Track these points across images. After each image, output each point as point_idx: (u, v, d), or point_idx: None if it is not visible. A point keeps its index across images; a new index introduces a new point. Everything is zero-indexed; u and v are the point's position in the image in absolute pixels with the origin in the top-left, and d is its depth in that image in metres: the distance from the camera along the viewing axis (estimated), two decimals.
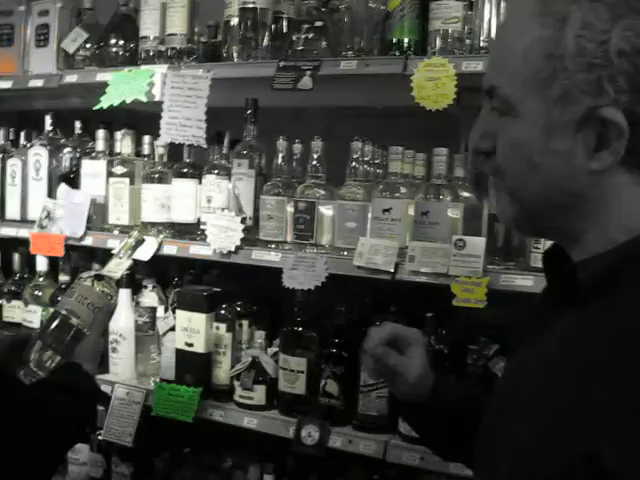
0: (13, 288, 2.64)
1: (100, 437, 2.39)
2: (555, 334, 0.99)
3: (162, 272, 2.55)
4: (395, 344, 1.33)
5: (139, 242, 1.86)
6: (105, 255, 2.30)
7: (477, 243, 1.82)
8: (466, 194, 1.96)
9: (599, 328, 0.90)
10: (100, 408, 2.40)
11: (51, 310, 1.70)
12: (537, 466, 0.89)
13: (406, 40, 1.93)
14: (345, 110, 2.54)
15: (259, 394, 2.15)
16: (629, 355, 0.85)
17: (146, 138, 2.46)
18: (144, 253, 2.25)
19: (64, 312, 1.63)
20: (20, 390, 1.35)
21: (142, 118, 2.48)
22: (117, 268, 1.78)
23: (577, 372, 0.89)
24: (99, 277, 1.72)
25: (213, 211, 2.20)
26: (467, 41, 1.89)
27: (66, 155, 2.61)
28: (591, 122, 0.91)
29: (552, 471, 0.87)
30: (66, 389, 1.47)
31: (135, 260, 2.27)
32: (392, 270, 1.89)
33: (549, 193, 0.97)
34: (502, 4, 1.82)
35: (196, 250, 2.22)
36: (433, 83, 1.82)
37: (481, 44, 1.85)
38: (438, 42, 1.88)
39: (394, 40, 1.94)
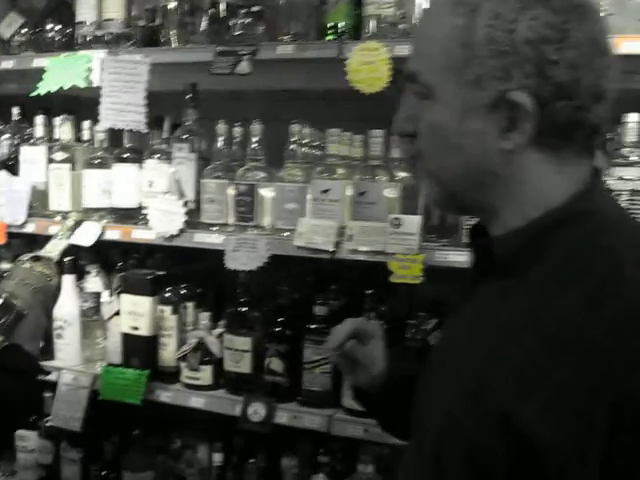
0: None
1: (48, 424, 2.40)
2: (476, 304, 1.07)
3: (106, 257, 2.55)
4: (358, 338, 1.39)
5: (77, 223, 1.87)
6: (47, 241, 2.30)
7: (413, 221, 1.88)
8: (403, 174, 2.02)
9: (513, 298, 0.98)
10: (47, 394, 2.42)
11: None
12: (460, 426, 0.96)
13: (341, 24, 1.97)
14: (285, 93, 2.57)
15: (205, 374, 2.20)
16: (536, 323, 0.91)
17: (86, 124, 2.46)
18: (87, 239, 2.25)
19: (4, 295, 1.65)
20: None
21: (81, 103, 2.46)
22: (54, 248, 1.79)
23: (492, 339, 0.97)
24: (37, 258, 1.73)
25: (155, 195, 2.22)
26: (400, 25, 1.94)
27: (4, 142, 2.58)
28: (502, 105, 0.96)
29: (472, 430, 0.94)
30: (8, 369, 1.49)
31: (78, 246, 2.28)
32: (331, 249, 1.94)
33: (466, 172, 1.03)
34: None
35: (139, 234, 2.24)
36: (368, 67, 1.86)
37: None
38: (372, 27, 1.92)
39: (330, 24, 1.98)
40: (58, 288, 1.81)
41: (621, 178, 1.75)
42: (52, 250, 1.79)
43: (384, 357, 1.39)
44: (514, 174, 1.01)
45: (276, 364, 2.11)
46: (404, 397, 1.34)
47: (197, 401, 2.18)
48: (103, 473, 2.41)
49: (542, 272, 0.96)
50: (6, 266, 2.43)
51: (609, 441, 0.83)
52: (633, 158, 1.75)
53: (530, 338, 0.91)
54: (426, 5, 1.86)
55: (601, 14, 1.01)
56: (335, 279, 2.26)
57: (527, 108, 0.95)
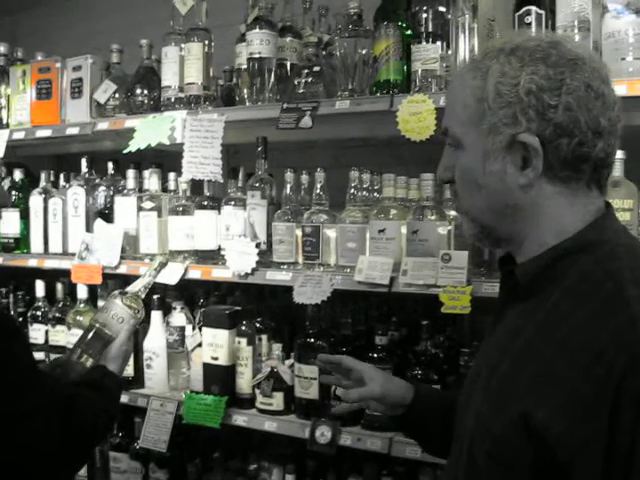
0: (57, 314, 2.90)
1: (138, 446, 2.64)
2: (505, 324, 1.25)
3: (190, 295, 2.81)
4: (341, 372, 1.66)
5: (162, 265, 2.11)
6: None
7: (461, 256, 2.04)
8: (453, 213, 2.18)
9: (535, 317, 1.14)
10: (137, 420, 2.67)
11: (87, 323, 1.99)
12: (488, 426, 1.14)
13: (392, 80, 2.18)
14: (345, 142, 2.79)
15: (278, 400, 2.39)
16: (553, 338, 1.08)
17: (171, 175, 2.74)
18: (172, 278, 2.51)
19: (97, 325, 1.91)
20: (58, 387, 1.59)
21: (168, 156, 2.74)
22: (138, 284, 2.05)
23: (518, 352, 1.14)
24: (124, 293, 2.00)
25: (231, 238, 2.45)
26: (446, 77, 2.13)
27: (101, 193, 2.87)
28: (515, 146, 1.15)
29: (499, 429, 1.11)
30: (94, 386, 1.73)
31: (165, 284, 2.54)
32: (387, 283, 2.12)
33: (492, 206, 1.22)
34: (475, 41, 2.06)
35: (218, 273, 2.48)
36: (416, 117, 2.06)
37: None
38: (419, 80, 2.12)
39: (381, 80, 2.20)
40: (142, 319, 2.05)
41: None
42: (136, 285, 2.04)
43: (382, 377, 1.59)
44: (532, 206, 1.18)
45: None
46: (435, 417, 1.50)
47: (270, 425, 2.37)
48: None
49: (558, 293, 1.13)
50: (102, 303, 2.71)
51: (612, 435, 0.98)
52: None
53: (548, 350, 1.07)
54: (467, 59, 2.05)
55: (597, 63, 1.17)
56: (395, 311, 2.43)
57: (534, 146, 1.12)
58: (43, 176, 3.03)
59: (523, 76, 1.13)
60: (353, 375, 1.63)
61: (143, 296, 2.04)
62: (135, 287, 2.04)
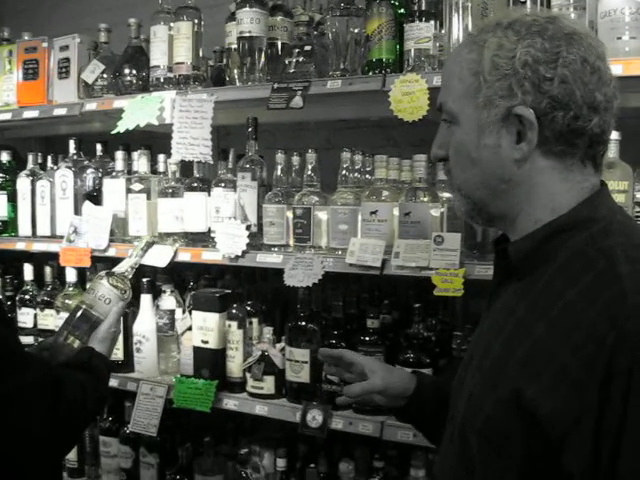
0: (46, 298, 2.87)
1: (128, 431, 2.62)
2: (499, 303, 1.23)
3: (180, 278, 2.78)
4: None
5: (148, 244, 2.09)
6: None
7: (454, 238, 2.02)
8: (446, 195, 2.15)
9: (527, 296, 1.13)
10: (127, 404, 2.66)
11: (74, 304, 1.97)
12: (480, 406, 1.13)
13: (384, 59, 2.15)
14: (337, 123, 2.75)
15: (268, 384, 2.37)
16: (545, 316, 1.07)
17: (161, 157, 2.71)
18: (161, 260, 2.48)
19: (84, 306, 1.89)
20: (45, 368, 1.57)
21: (157, 138, 2.71)
22: (125, 264, 2.02)
23: (510, 332, 1.13)
24: (110, 274, 1.97)
25: (221, 220, 2.43)
26: (438, 58, 2.10)
27: (89, 175, 2.83)
28: (510, 120, 1.14)
29: (490, 408, 1.11)
30: (83, 367, 1.71)
31: (155, 268, 2.51)
32: (379, 266, 2.09)
33: (486, 181, 1.20)
34: (469, 20, 2.02)
35: (208, 256, 2.45)
36: (409, 97, 2.02)
37: None
38: (412, 60, 2.09)
39: (374, 59, 2.16)
40: (130, 300, 2.03)
41: None
42: (122, 266, 2.01)
43: (383, 369, 1.59)
44: (526, 182, 1.17)
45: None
46: (437, 406, 1.49)
47: (261, 409, 2.36)
48: (177, 477, 2.61)
49: (551, 271, 1.12)
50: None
51: (602, 411, 0.97)
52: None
53: (539, 328, 1.07)
54: (461, 38, 2.02)
55: (593, 40, 1.15)
56: (387, 294, 2.41)
57: (530, 119, 1.11)
58: (30, 158, 3.00)
59: (519, 48, 1.11)
60: (354, 369, 1.62)
61: (130, 276, 2.02)
62: (122, 267, 2.01)
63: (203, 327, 2.46)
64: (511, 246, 1.21)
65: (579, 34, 1.13)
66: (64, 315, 2.69)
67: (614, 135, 1.87)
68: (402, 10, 2.16)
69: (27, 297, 2.94)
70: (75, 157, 2.91)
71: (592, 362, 0.98)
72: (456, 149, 1.23)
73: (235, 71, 2.44)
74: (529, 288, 1.14)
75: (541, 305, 1.09)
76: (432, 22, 2.08)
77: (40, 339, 2.80)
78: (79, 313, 1.89)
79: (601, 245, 1.09)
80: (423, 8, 2.08)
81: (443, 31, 2.08)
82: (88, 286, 2.14)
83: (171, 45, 2.52)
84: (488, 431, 1.11)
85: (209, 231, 2.49)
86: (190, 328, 2.51)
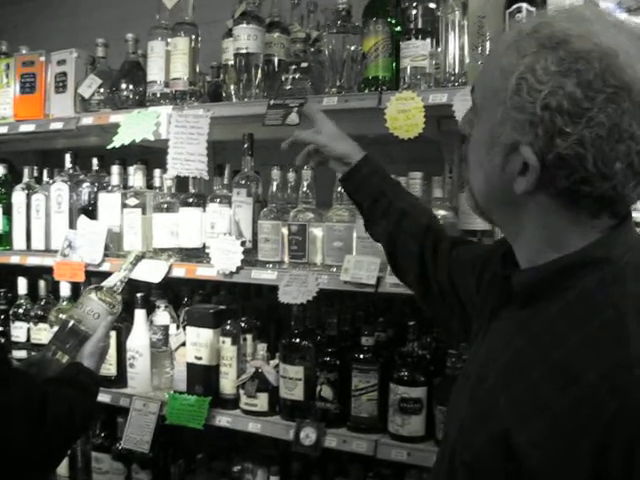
0: (39, 312, 2.86)
1: (120, 447, 2.60)
2: (498, 327, 1.17)
3: (174, 294, 2.78)
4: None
5: (138, 258, 2.08)
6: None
7: None
8: (443, 212, 2.15)
9: (527, 331, 1.07)
10: (120, 420, 2.64)
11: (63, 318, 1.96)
12: (470, 439, 1.09)
13: (380, 77, 2.15)
14: None
15: (262, 401, 2.35)
16: (543, 360, 1.00)
17: (156, 172, 2.70)
18: (156, 276, 2.47)
19: (72, 320, 1.88)
20: (31, 383, 1.56)
21: (153, 153, 2.71)
22: (114, 278, 2.02)
23: (506, 364, 1.07)
24: (99, 288, 1.97)
25: (216, 236, 2.42)
26: (435, 75, 2.10)
27: (85, 189, 2.83)
28: (517, 151, 1.02)
29: (480, 443, 1.06)
30: (71, 383, 1.70)
31: (149, 283, 2.50)
32: (374, 283, 2.09)
33: (489, 191, 1.12)
34: (465, 39, 2.03)
35: (202, 272, 2.44)
36: (404, 114, 2.03)
37: (447, 76, 2.06)
38: (408, 77, 2.09)
39: (370, 77, 2.16)
40: (119, 314, 2.02)
41: None
42: (111, 280, 2.01)
43: (336, 133, 1.75)
44: (529, 211, 1.07)
45: (326, 391, 2.25)
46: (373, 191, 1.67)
47: (254, 426, 2.34)
48: None
49: (555, 311, 1.03)
50: None
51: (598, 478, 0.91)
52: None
53: (536, 372, 0.99)
54: (457, 57, 2.03)
55: None
56: (382, 312, 2.40)
57: (533, 165, 1.00)
58: (26, 172, 3.00)
59: (549, 85, 0.96)
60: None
61: (119, 290, 2.01)
62: (111, 282, 2.01)
63: (197, 343, 2.45)
64: (516, 276, 1.13)
65: (630, 88, 0.95)
66: None
67: None
68: (398, 28, 2.16)
69: (21, 311, 2.93)
70: (71, 171, 2.91)
71: (588, 425, 0.91)
72: (472, 143, 1.15)
73: (232, 87, 2.44)
74: (530, 322, 1.07)
75: (541, 346, 1.02)
76: (428, 40, 2.09)
77: (33, 353, 2.79)
78: (67, 328, 1.88)
79: (611, 292, 1.00)
80: (419, 26, 2.09)
81: (439, 49, 2.09)
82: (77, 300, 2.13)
83: (168, 61, 2.52)
84: (476, 465, 1.06)
85: (204, 247, 2.48)
86: (184, 344, 2.50)
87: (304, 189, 2.31)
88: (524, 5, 1.91)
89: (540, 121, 0.98)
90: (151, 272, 2.46)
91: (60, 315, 2.72)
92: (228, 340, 2.43)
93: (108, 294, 1.94)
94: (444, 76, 2.07)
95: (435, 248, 1.59)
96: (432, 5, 2.09)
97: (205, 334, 2.43)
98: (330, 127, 1.77)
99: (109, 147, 2.50)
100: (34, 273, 2.96)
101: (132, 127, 2.48)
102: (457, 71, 2.04)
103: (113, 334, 2.61)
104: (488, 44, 1.96)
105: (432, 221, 1.68)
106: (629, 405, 0.90)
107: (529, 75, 0.98)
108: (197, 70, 2.56)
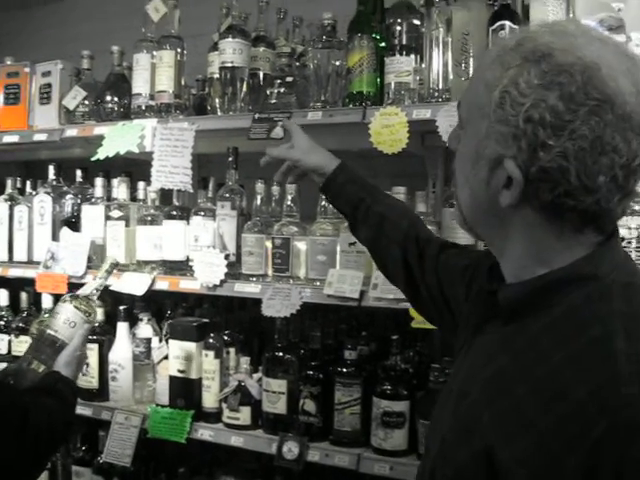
0: (21, 324, 2.83)
1: (101, 460, 2.58)
2: (482, 342, 1.16)
3: (157, 306, 2.77)
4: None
5: (114, 265, 2.07)
6: (104, 291, 2.52)
7: None
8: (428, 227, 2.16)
9: (511, 346, 1.06)
10: (101, 433, 2.62)
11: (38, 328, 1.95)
12: (452, 454, 1.08)
13: (365, 92, 2.16)
14: None
15: (245, 415, 2.35)
16: (527, 376, 0.99)
17: (140, 184, 2.70)
18: (139, 288, 2.46)
19: (48, 330, 1.88)
20: (10, 395, 1.55)
21: (137, 165, 2.70)
22: (89, 287, 2.01)
23: (489, 380, 1.06)
24: (75, 297, 1.96)
25: (200, 249, 2.41)
26: (419, 90, 2.12)
27: (68, 201, 2.82)
28: (501, 166, 1.01)
29: (462, 459, 1.05)
30: (49, 392, 1.69)
31: (132, 296, 2.50)
32: (357, 297, 2.09)
33: (475, 207, 1.11)
34: (449, 55, 2.05)
35: (185, 284, 2.43)
36: (388, 129, 2.04)
37: (431, 92, 2.08)
38: (392, 93, 2.10)
39: (354, 92, 2.18)
40: (95, 322, 2.02)
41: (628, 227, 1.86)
42: (86, 288, 2.00)
43: (311, 146, 1.77)
44: (514, 224, 1.06)
45: (309, 405, 2.25)
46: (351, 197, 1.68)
47: (237, 440, 2.33)
48: None
49: (541, 327, 1.02)
50: None
51: None
52: (636, 207, 1.87)
53: (520, 389, 0.98)
54: (440, 73, 2.05)
55: (631, 109, 0.96)
56: (365, 325, 2.41)
57: (516, 178, 0.99)
58: (9, 183, 2.99)
59: (531, 98, 0.96)
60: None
61: (95, 298, 2.00)
62: (86, 290, 2.00)
63: (180, 356, 2.44)
64: (501, 292, 1.12)
65: (612, 102, 0.94)
66: None
67: None
68: (383, 44, 2.18)
69: (2, 323, 2.90)
70: (54, 183, 2.89)
71: (575, 443, 0.90)
72: (458, 158, 1.14)
73: (217, 100, 2.44)
74: (514, 337, 1.06)
75: (525, 362, 1.01)
76: (412, 56, 2.11)
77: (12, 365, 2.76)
78: (43, 337, 1.87)
79: (598, 309, 0.98)
80: (404, 42, 2.10)
81: (423, 65, 2.11)
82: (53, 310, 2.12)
83: (153, 73, 2.52)
84: None
85: (187, 260, 2.47)
86: (167, 357, 2.49)
87: (288, 203, 2.32)
88: (507, 23, 1.94)
89: (523, 134, 0.97)
90: (134, 285, 2.45)
91: (41, 328, 2.70)
92: (211, 353, 2.42)
93: (84, 302, 1.94)
94: (428, 92, 2.09)
95: (421, 252, 1.58)
96: (416, 21, 2.11)
97: (188, 347, 2.42)
98: (303, 140, 1.78)
99: (93, 159, 2.50)
100: (16, 285, 2.94)
101: (117, 139, 2.48)
102: (441, 87, 2.06)
103: (95, 347, 2.61)
104: (472, 61, 1.99)
105: (414, 224, 1.67)
106: (617, 424, 0.88)
107: (512, 88, 0.98)
108: (182, 83, 2.57)
